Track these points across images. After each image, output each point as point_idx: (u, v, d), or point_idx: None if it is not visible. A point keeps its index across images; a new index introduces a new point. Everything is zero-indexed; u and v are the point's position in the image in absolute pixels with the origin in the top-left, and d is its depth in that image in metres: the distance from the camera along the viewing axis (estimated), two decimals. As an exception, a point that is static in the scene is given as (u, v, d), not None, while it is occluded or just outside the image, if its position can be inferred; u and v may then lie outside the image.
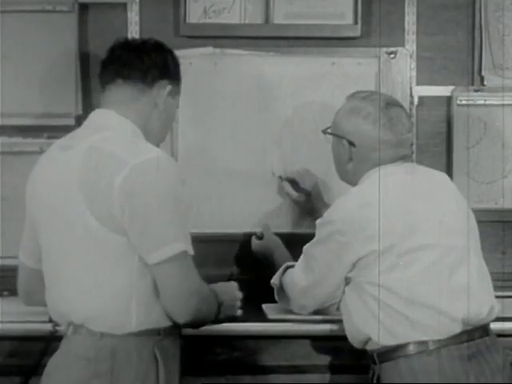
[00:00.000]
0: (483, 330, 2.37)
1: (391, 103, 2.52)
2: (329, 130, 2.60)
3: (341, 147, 2.52)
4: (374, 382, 2.40)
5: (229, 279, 2.64)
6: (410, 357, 2.31)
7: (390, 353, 2.34)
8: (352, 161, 2.51)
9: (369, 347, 2.40)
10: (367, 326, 2.36)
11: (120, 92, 2.28)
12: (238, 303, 2.39)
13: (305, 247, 2.51)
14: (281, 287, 2.62)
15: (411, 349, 2.32)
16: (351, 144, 2.49)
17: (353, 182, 2.53)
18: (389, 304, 2.32)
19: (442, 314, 2.31)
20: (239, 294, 2.40)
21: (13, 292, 2.52)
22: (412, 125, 2.53)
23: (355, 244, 2.35)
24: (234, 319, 2.39)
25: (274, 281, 2.63)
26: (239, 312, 2.38)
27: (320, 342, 2.64)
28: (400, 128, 2.48)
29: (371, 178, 2.45)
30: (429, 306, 2.31)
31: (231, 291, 2.38)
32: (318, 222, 2.48)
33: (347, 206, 2.41)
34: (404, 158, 2.50)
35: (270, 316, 2.71)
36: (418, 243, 2.34)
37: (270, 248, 2.98)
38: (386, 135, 2.46)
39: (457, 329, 2.33)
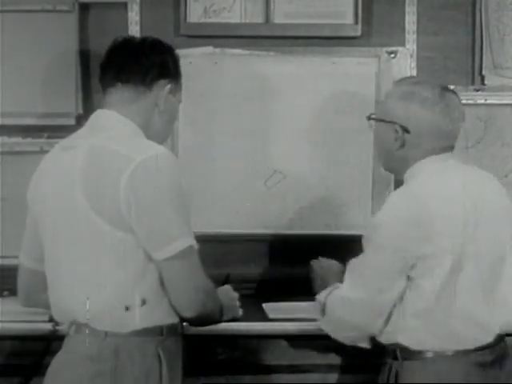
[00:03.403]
0: (500, 336, 2.32)
1: (445, 88, 2.37)
2: (374, 116, 2.45)
3: (390, 134, 2.36)
4: (391, 378, 2.31)
5: (227, 279, 2.63)
6: (436, 359, 2.24)
7: (415, 352, 2.26)
8: (403, 148, 2.34)
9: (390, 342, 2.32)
10: (400, 329, 2.27)
11: (120, 94, 2.28)
12: (238, 303, 2.42)
13: (353, 260, 2.33)
14: (323, 311, 2.39)
15: (432, 354, 2.25)
16: (405, 130, 2.33)
17: (398, 171, 2.39)
18: (430, 310, 2.23)
19: (480, 326, 2.26)
20: (235, 295, 2.43)
21: (13, 292, 2.52)
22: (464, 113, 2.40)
23: (412, 245, 2.22)
24: (235, 319, 2.40)
25: (320, 298, 2.40)
26: (240, 312, 2.41)
27: (321, 342, 2.63)
28: (457, 115, 2.34)
29: (422, 174, 2.31)
30: (469, 317, 2.25)
31: (227, 293, 2.41)
32: (369, 226, 2.33)
33: (402, 206, 2.26)
34: (451, 149, 2.37)
35: (271, 316, 2.71)
36: (470, 250, 2.25)
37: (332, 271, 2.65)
38: (444, 122, 2.32)
39: (488, 339, 2.27)
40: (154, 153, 2.15)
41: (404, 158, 2.35)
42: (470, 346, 2.25)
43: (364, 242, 2.30)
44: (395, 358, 2.31)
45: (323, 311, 2.37)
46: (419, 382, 2.26)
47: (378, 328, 2.29)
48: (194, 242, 2.17)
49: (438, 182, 2.29)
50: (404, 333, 2.27)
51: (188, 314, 2.19)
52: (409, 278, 2.24)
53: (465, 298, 2.24)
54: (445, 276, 2.22)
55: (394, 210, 2.27)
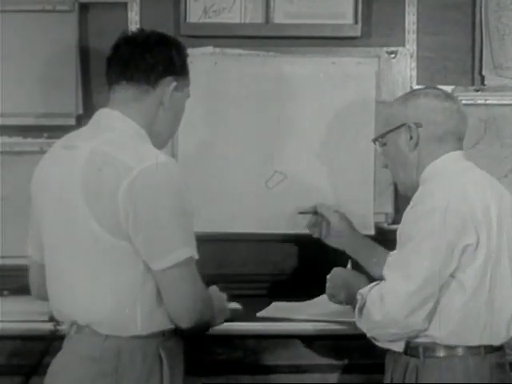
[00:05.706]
0: None
1: (442, 90, 2.46)
2: (380, 134, 2.46)
3: (403, 136, 2.38)
4: (410, 375, 2.28)
5: (230, 279, 2.63)
6: (463, 358, 2.23)
7: (438, 349, 2.25)
8: (418, 145, 2.36)
9: (416, 339, 2.28)
10: (435, 322, 2.24)
11: (124, 92, 2.25)
12: (226, 304, 2.40)
13: (394, 255, 2.29)
14: (360, 311, 2.30)
15: (460, 351, 2.24)
16: (417, 125, 2.36)
17: (415, 179, 2.38)
18: (468, 303, 2.23)
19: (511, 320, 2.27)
20: (224, 296, 2.41)
21: (13, 291, 2.53)
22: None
23: (458, 234, 2.21)
24: (230, 320, 2.40)
25: (363, 293, 2.30)
26: (239, 307, 2.39)
27: (321, 342, 2.64)
28: (459, 103, 2.41)
29: (443, 175, 2.33)
30: (505, 310, 2.26)
31: (216, 294, 2.37)
32: (407, 221, 2.29)
33: (440, 198, 2.24)
34: (462, 141, 2.42)
35: (258, 314, 2.70)
36: (504, 243, 2.27)
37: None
38: (452, 107, 2.38)
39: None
40: (155, 161, 2.12)
41: (420, 159, 2.37)
42: (501, 340, 2.27)
43: (403, 238, 2.27)
44: (414, 355, 2.28)
45: (361, 309, 2.28)
46: (448, 381, 2.24)
47: (420, 323, 2.21)
48: (194, 253, 2.14)
49: (464, 180, 2.31)
50: (437, 326, 2.24)
51: (185, 324, 2.17)
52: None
53: (502, 291, 2.25)
54: (485, 269, 2.23)
55: (432, 203, 2.24)
